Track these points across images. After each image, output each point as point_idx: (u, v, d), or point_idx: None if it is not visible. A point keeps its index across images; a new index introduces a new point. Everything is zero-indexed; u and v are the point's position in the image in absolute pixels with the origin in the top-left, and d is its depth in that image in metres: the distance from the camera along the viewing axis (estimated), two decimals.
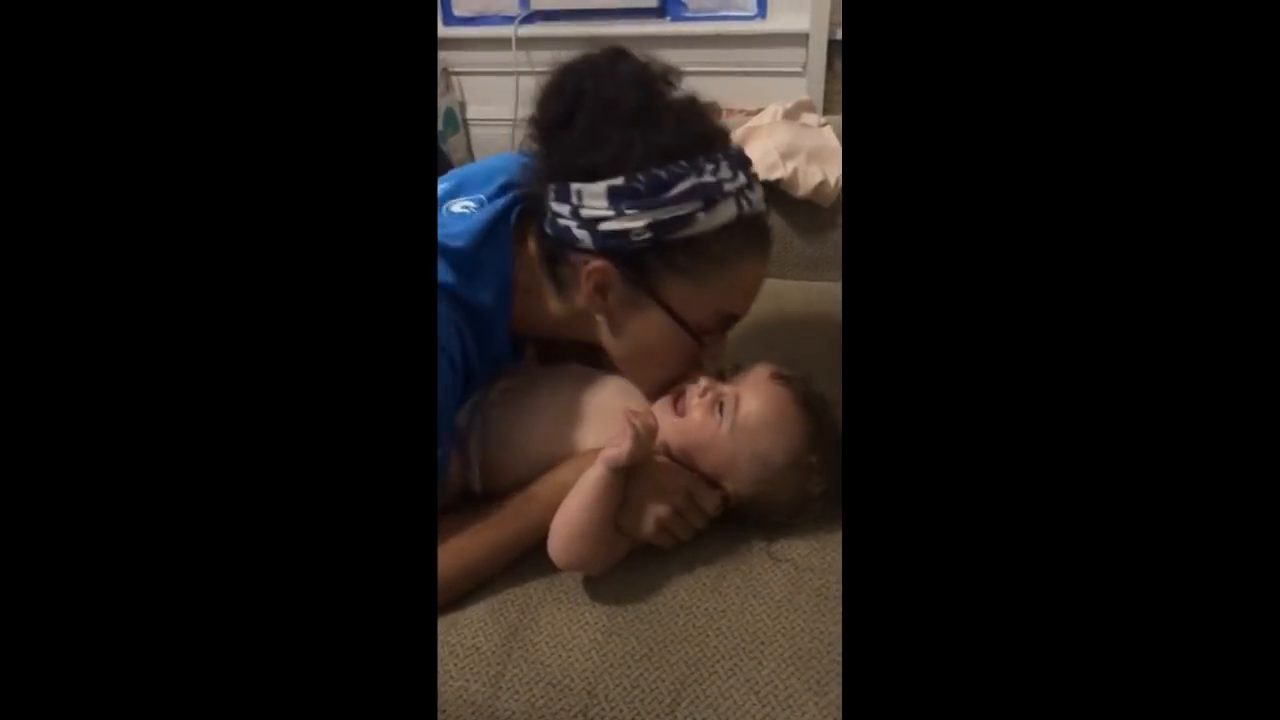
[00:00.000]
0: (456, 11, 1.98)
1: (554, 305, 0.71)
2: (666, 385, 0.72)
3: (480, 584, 0.66)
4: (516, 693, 0.60)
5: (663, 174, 0.61)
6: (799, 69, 1.73)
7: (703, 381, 0.69)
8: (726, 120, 0.79)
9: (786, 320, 1.00)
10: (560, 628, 0.63)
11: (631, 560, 0.67)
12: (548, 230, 0.67)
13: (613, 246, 0.63)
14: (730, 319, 0.70)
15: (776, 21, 1.75)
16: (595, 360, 0.78)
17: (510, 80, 1.98)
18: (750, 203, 0.66)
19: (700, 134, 0.65)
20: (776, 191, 1.10)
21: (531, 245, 0.71)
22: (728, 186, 0.63)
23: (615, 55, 0.65)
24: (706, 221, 0.63)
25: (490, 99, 2.06)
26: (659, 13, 1.83)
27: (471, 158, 2.16)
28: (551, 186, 0.65)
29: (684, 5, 1.82)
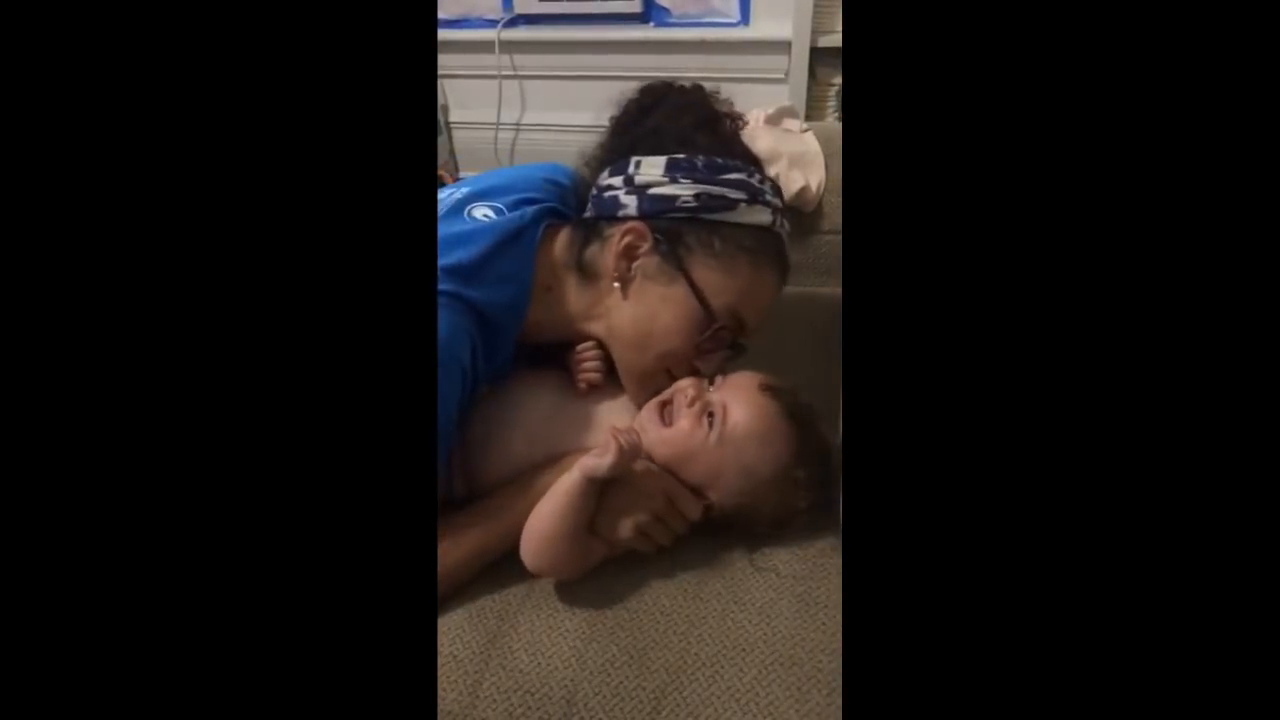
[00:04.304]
0: (440, 14, 1.97)
1: (573, 296, 0.72)
2: (655, 378, 0.71)
3: (458, 588, 0.65)
4: (494, 701, 0.59)
5: (719, 160, 0.68)
6: (781, 75, 1.74)
7: (690, 390, 0.68)
8: None
9: (771, 327, 1.00)
10: (539, 635, 0.62)
11: (611, 566, 0.66)
12: (588, 213, 0.71)
13: (657, 210, 0.67)
14: (738, 325, 0.71)
15: (759, 28, 1.76)
16: None
17: (493, 84, 1.97)
18: (781, 224, 0.72)
19: (751, 157, 0.73)
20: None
21: (557, 246, 0.73)
22: (769, 198, 0.70)
23: (693, 84, 0.75)
24: (747, 213, 0.68)
25: (472, 102, 2.05)
26: (642, 18, 1.83)
27: (454, 161, 2.14)
28: (608, 166, 0.70)
29: (667, 11, 1.82)
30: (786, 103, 1.29)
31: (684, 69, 1.83)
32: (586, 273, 0.71)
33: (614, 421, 0.70)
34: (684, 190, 0.67)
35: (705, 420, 0.66)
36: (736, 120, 0.75)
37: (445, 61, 2.01)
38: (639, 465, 0.64)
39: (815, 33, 1.64)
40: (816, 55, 1.67)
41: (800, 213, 1.12)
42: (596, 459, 0.61)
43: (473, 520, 0.66)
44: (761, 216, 0.69)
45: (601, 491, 0.63)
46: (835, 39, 1.64)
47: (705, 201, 0.67)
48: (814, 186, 1.09)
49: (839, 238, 1.05)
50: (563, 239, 0.73)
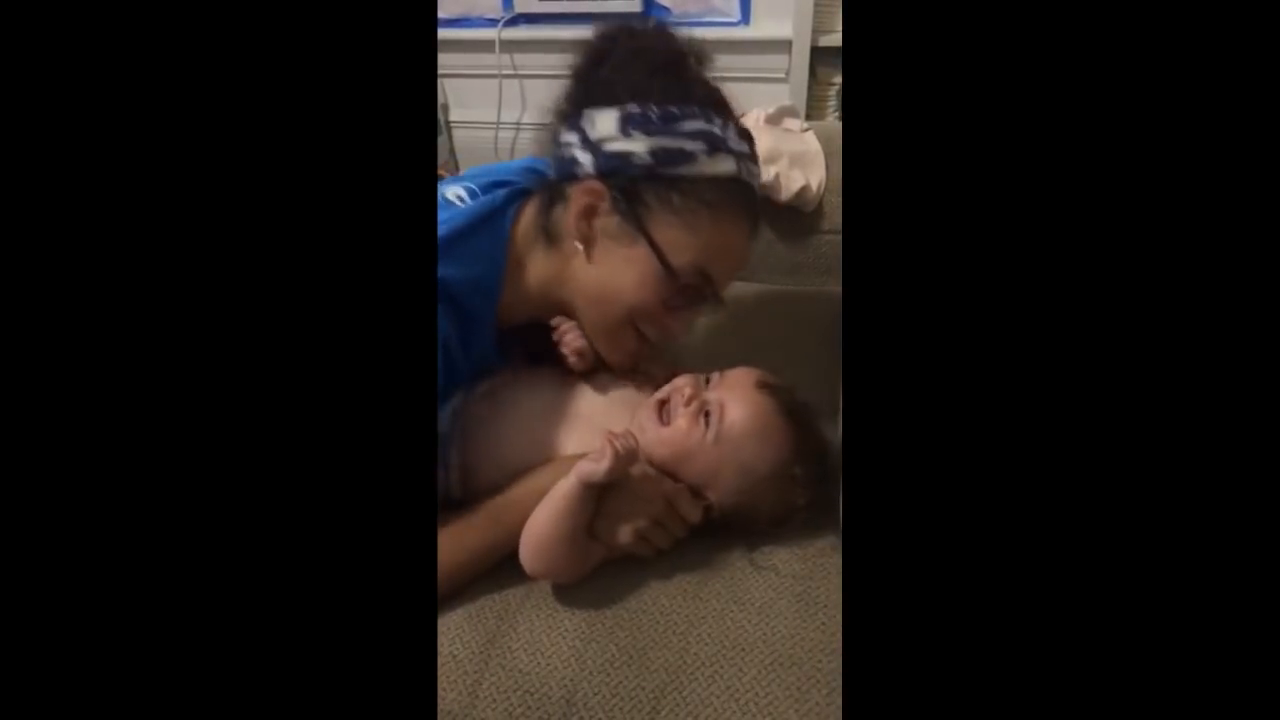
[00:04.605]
0: (440, 13, 1.97)
1: (541, 264, 0.70)
2: (622, 335, 0.70)
3: (458, 590, 0.65)
4: (494, 701, 0.59)
5: (675, 110, 0.63)
6: (782, 75, 1.74)
7: (687, 389, 0.68)
8: None
9: (770, 326, 1.00)
10: (538, 634, 0.62)
11: (610, 566, 0.66)
12: (550, 173, 0.68)
13: (613, 168, 0.64)
14: (706, 282, 0.68)
15: (760, 28, 1.76)
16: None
17: (493, 83, 1.97)
18: (748, 171, 0.67)
19: (714, 99, 0.67)
20: (758, 197, 1.10)
21: (525, 217, 0.71)
22: (732, 145, 0.66)
23: (654, 21, 0.71)
24: (707, 165, 0.64)
25: (473, 102, 2.05)
26: (642, 18, 1.83)
27: (454, 160, 2.14)
28: (565, 121, 0.67)
29: (667, 10, 1.82)
30: (787, 102, 1.29)
31: None
32: (552, 236, 0.69)
33: (612, 419, 0.70)
34: (638, 145, 0.63)
35: (703, 419, 0.66)
36: (701, 59, 0.69)
37: (445, 61, 2.01)
38: (636, 469, 0.64)
39: (815, 32, 1.64)
40: (817, 55, 1.67)
41: (800, 212, 1.12)
42: (592, 464, 0.60)
43: (473, 522, 0.66)
44: (725, 166, 0.65)
45: (600, 496, 0.63)
46: (835, 39, 1.64)
47: (661, 157, 0.63)
48: (814, 186, 1.10)
49: (839, 237, 1.05)
50: (530, 209, 0.71)
